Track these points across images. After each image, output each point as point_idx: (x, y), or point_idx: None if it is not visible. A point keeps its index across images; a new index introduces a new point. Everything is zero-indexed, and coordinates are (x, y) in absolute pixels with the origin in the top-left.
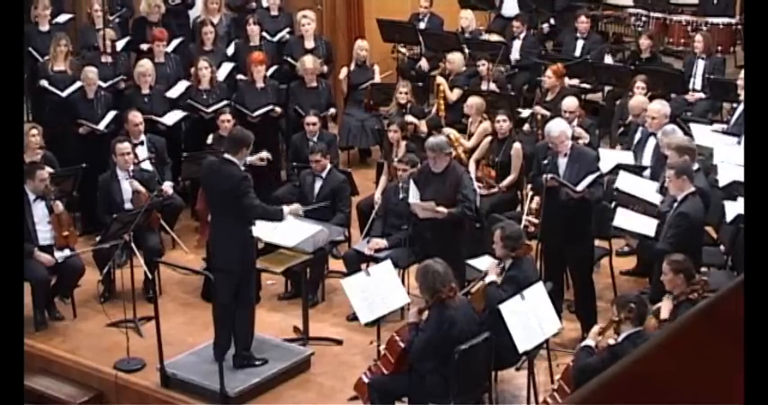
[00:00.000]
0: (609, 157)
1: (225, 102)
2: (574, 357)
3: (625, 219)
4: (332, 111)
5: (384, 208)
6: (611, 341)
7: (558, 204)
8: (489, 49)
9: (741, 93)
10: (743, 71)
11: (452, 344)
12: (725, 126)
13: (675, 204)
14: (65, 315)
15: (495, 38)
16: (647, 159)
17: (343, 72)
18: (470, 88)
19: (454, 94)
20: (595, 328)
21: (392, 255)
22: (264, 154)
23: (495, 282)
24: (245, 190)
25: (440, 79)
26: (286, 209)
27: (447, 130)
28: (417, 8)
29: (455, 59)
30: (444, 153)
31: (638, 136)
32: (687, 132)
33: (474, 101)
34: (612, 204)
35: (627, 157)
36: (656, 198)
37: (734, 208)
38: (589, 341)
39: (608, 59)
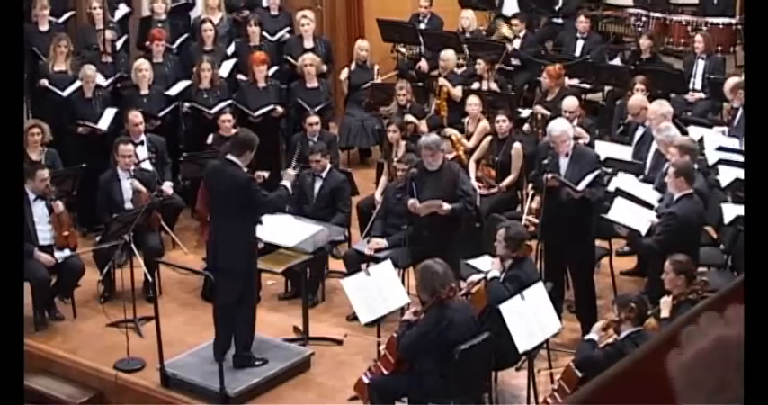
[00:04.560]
0: (604, 150)
1: (228, 102)
2: (576, 350)
3: (620, 212)
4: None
5: (384, 208)
6: (611, 340)
7: (558, 204)
8: (489, 48)
9: (729, 94)
10: (728, 79)
11: (449, 344)
12: (725, 128)
13: (671, 203)
14: (65, 315)
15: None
16: (650, 157)
17: (344, 73)
18: (469, 88)
19: (458, 92)
20: (599, 323)
21: (392, 255)
22: (264, 173)
23: (497, 277)
24: (253, 190)
25: (442, 81)
26: (287, 182)
27: (449, 130)
28: (417, 8)
29: (448, 57)
30: (440, 150)
31: (638, 134)
32: (684, 133)
33: (474, 100)
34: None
35: (624, 153)
36: (653, 197)
37: (732, 210)
38: (592, 335)
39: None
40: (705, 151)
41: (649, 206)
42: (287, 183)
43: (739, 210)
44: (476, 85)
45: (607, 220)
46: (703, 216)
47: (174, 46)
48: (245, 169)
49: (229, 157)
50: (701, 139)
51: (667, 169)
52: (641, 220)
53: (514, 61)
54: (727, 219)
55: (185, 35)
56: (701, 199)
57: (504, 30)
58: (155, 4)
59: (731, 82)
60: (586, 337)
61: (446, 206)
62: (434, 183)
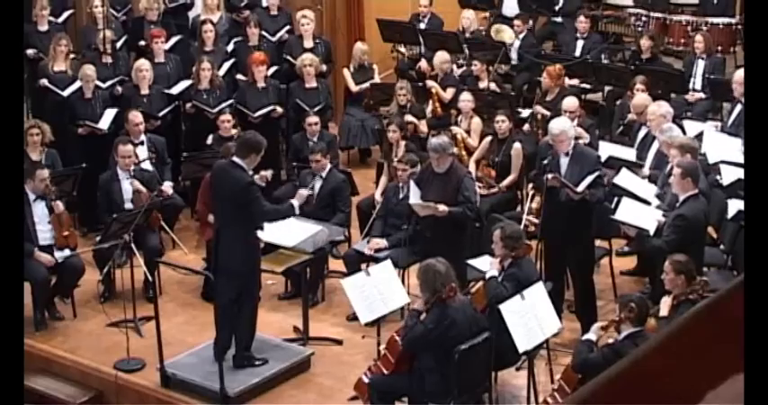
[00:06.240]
0: (607, 150)
1: (229, 102)
2: (574, 350)
3: (627, 212)
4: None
5: (384, 208)
6: (611, 340)
7: (558, 204)
8: (489, 49)
9: (737, 85)
10: (737, 70)
11: (451, 344)
12: (718, 123)
13: (677, 204)
14: (65, 315)
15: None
16: (651, 157)
17: (347, 75)
18: (471, 87)
19: (448, 93)
20: (598, 324)
21: (392, 255)
22: (267, 173)
23: (495, 277)
24: (253, 196)
25: (430, 83)
26: (295, 202)
27: (456, 129)
28: (417, 8)
29: (444, 59)
30: (447, 153)
31: (641, 134)
32: (685, 133)
33: (467, 96)
34: (614, 203)
35: (628, 153)
36: (651, 194)
37: (736, 205)
38: (591, 335)
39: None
40: (705, 150)
41: (647, 202)
42: (296, 202)
43: (741, 205)
44: (482, 86)
45: (615, 221)
46: (708, 216)
47: (167, 46)
48: (251, 171)
49: (235, 158)
50: (700, 134)
51: (671, 170)
52: (649, 220)
53: (514, 62)
54: (731, 213)
55: (179, 36)
56: (705, 199)
57: (506, 36)
58: (148, 14)
59: (741, 73)
60: (584, 337)
61: (442, 208)
62: (440, 185)
